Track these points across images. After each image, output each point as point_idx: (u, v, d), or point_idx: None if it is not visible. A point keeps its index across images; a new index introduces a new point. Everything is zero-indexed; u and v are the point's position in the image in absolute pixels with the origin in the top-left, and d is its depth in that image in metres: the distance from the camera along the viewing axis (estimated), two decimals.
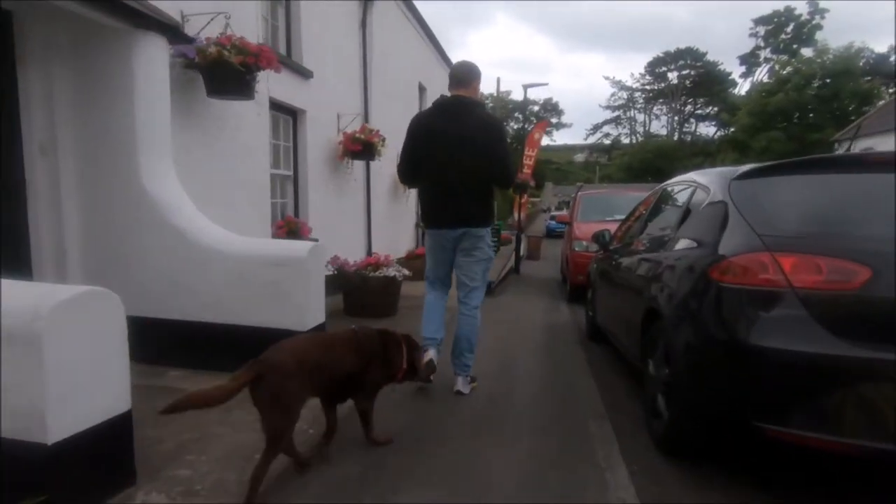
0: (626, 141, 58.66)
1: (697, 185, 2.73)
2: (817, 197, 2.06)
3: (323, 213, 6.26)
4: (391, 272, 5.24)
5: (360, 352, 2.11)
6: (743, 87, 46.66)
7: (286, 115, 5.72)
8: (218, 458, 2.02)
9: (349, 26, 7.11)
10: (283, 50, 5.68)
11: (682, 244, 2.53)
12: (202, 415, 2.37)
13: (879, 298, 1.72)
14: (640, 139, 56.09)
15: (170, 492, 1.83)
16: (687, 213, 2.69)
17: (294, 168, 5.94)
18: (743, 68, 46.56)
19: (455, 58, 10.31)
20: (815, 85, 29.72)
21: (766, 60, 42.59)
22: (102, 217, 3.05)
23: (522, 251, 12.39)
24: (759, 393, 1.86)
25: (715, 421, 2.08)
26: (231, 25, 3.87)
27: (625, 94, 58.16)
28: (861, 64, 30.75)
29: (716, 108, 49.55)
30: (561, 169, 58.59)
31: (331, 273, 5.31)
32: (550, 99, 55.36)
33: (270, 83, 4.97)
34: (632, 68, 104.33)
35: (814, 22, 38.28)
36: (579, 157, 64.63)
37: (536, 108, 51.93)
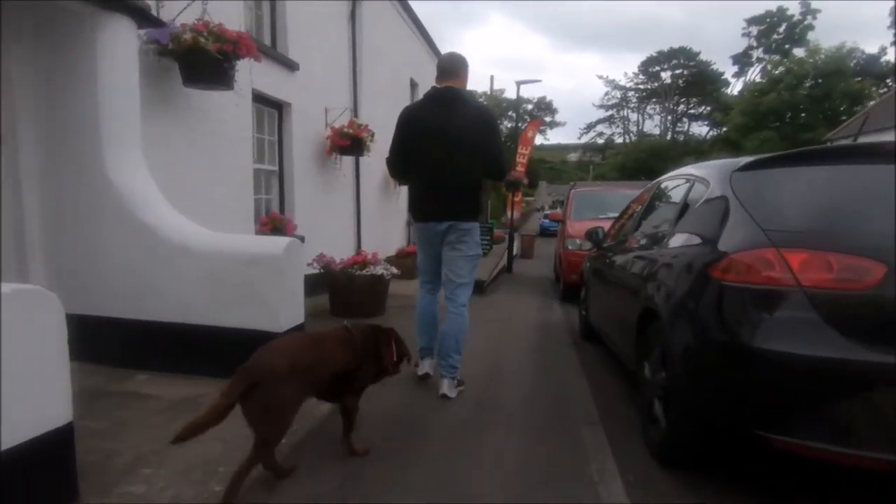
0: (619, 140, 58.77)
1: (695, 178, 2.59)
2: (827, 189, 1.93)
3: (310, 209, 6.08)
4: (379, 270, 5.08)
5: (354, 349, 2.04)
6: (735, 87, 46.97)
7: (271, 109, 5.54)
8: (177, 472, 1.85)
9: (338, 19, 6.93)
10: (267, 41, 5.50)
11: (680, 241, 2.39)
12: (166, 424, 2.22)
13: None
14: (633, 139, 56.19)
15: None
16: (685, 208, 2.55)
17: (279, 163, 5.76)
18: (736, 68, 46.83)
19: None
20: (807, 85, 29.89)
21: (759, 60, 42.82)
22: (66, 211, 2.87)
23: (515, 250, 12.26)
24: (763, 400, 1.72)
25: (715, 429, 1.94)
26: (211, 14, 3.69)
27: (618, 94, 58.27)
28: (852, 64, 30.94)
29: (708, 108, 49.77)
30: (555, 168, 58.51)
31: (316, 271, 5.16)
32: (544, 97, 55.28)
33: (254, 74, 4.79)
34: (625, 68, 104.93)
35: (806, 22, 38.54)
36: (573, 157, 64.62)
37: (530, 106, 51.82)
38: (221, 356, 2.71)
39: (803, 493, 2.01)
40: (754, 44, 43.47)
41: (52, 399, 1.46)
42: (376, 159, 7.20)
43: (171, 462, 1.92)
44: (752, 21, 42.48)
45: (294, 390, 1.76)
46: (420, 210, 2.96)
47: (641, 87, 56.44)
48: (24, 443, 1.41)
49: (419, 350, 3.18)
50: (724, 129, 38.06)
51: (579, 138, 61.31)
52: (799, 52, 33.96)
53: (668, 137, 52.96)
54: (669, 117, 55.48)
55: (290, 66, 5.60)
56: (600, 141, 60.13)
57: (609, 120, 59.64)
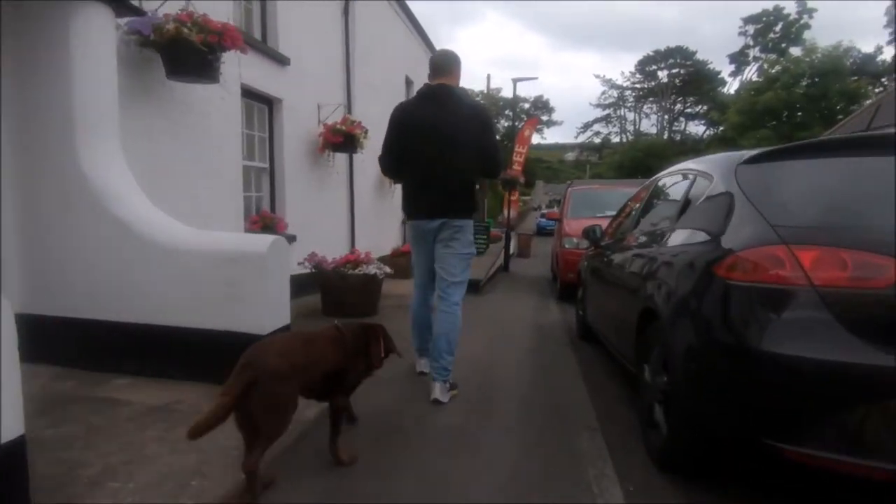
0: (616, 140, 58.77)
1: (697, 173, 2.48)
2: (839, 182, 1.82)
3: (302, 208, 5.96)
4: (371, 270, 4.96)
5: (345, 348, 2.03)
6: (732, 86, 46.94)
7: (261, 104, 5.41)
8: (147, 485, 1.73)
9: (331, 14, 6.80)
10: (258, 35, 5.37)
11: (682, 238, 2.28)
12: (139, 431, 2.10)
13: None
14: (630, 138, 56.18)
15: None
16: (686, 204, 2.44)
17: (270, 160, 5.63)
18: (732, 67, 46.82)
19: None
20: (804, 84, 29.87)
21: (756, 59, 42.83)
22: (38, 206, 2.74)
23: (512, 249, 12.17)
24: (772, 407, 1.61)
25: (720, 436, 1.84)
26: (197, 6, 3.56)
27: (615, 93, 58.28)
28: (848, 63, 30.95)
29: (705, 107, 49.78)
30: (552, 167, 58.52)
31: (308, 271, 5.04)
32: (541, 96, 55.28)
33: (243, 68, 4.66)
34: (621, 67, 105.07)
35: (802, 21, 38.53)
36: (570, 156, 64.60)
37: (527, 105, 51.76)
38: (202, 360, 2.60)
39: (809, 498, 1.90)
40: (751, 43, 43.49)
41: (3, 411, 1.33)
42: (370, 157, 7.07)
43: (142, 474, 1.80)
44: (748, 20, 42.50)
45: (293, 389, 1.76)
46: (413, 207, 2.91)
47: (638, 86, 56.53)
48: None
49: (416, 350, 3.16)
50: (721, 128, 38.04)
51: (576, 137, 61.35)
52: (795, 52, 33.97)
53: (665, 136, 52.96)
54: (666, 116, 55.54)
55: (281, 60, 5.47)
56: (597, 140, 60.15)
57: (606, 119, 59.70)
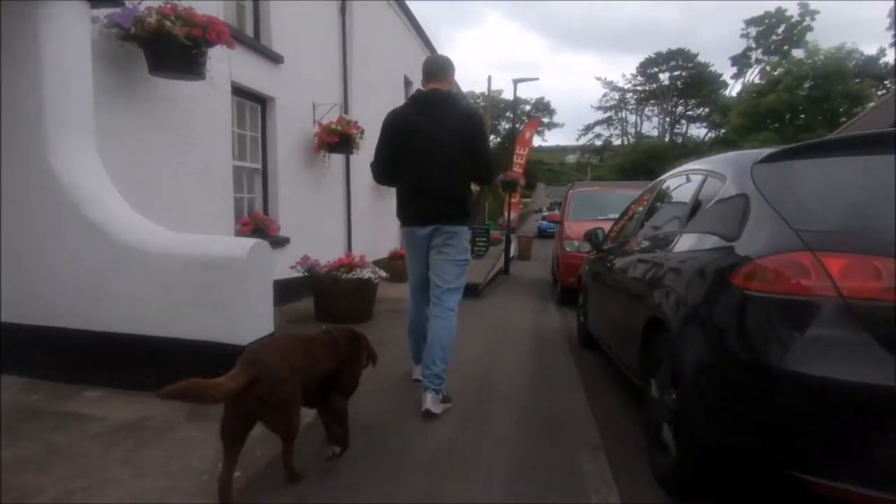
0: (617, 142, 58.65)
1: (708, 173, 2.32)
2: (869, 182, 1.65)
3: (296, 209, 5.80)
4: (366, 274, 4.79)
5: (338, 352, 2.06)
6: (734, 89, 46.78)
7: (253, 103, 5.26)
8: None
9: (328, 12, 6.66)
10: (250, 31, 5.23)
11: (692, 243, 2.12)
12: (103, 452, 1.94)
13: None
14: (631, 140, 56.03)
15: None
16: (696, 206, 2.28)
17: (263, 160, 5.48)
18: (734, 69, 46.67)
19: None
20: (807, 86, 29.72)
21: (758, 61, 42.69)
22: (4, 208, 2.58)
23: (512, 252, 12.01)
24: (796, 433, 1.45)
25: (736, 463, 1.67)
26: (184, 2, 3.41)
27: (616, 95, 58.15)
28: (851, 65, 30.79)
29: (707, 110, 49.63)
30: (553, 170, 58.36)
31: (300, 274, 4.89)
32: (542, 98, 55.17)
33: (233, 66, 4.53)
34: (622, 70, 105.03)
35: (804, 23, 38.39)
36: (571, 158, 64.44)
37: (528, 107, 51.65)
38: (177, 371, 2.41)
39: None
40: (753, 45, 43.38)
41: None
42: (367, 157, 6.92)
43: (103, 500, 1.64)
44: (750, 22, 42.40)
45: (295, 387, 1.75)
46: (406, 213, 2.86)
47: (640, 88, 56.39)
48: None
49: (412, 358, 3.09)
50: (723, 130, 37.88)
51: (577, 140, 61.23)
52: (798, 54, 33.80)
53: (667, 139, 52.80)
54: (668, 119, 55.38)
55: (275, 58, 5.32)
56: (598, 142, 60.03)
57: (607, 121, 59.56)
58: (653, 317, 2.23)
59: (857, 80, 30.44)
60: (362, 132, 6.13)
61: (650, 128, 57.44)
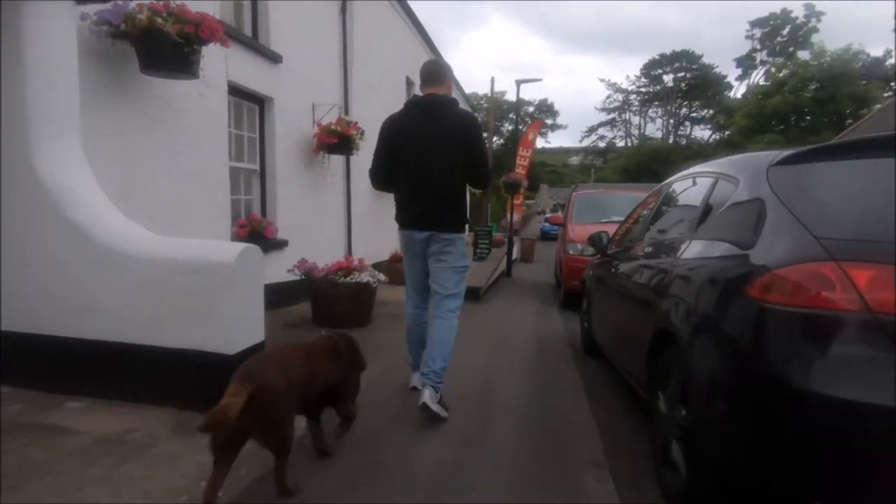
0: (621, 144, 58.42)
1: (719, 175, 2.21)
2: None
3: (295, 211, 5.71)
4: (364, 277, 4.69)
5: (341, 359, 2.07)
6: (739, 90, 46.52)
7: (251, 103, 5.17)
8: None
9: (328, 12, 6.58)
10: (248, 31, 5.14)
11: (703, 249, 2.01)
12: (80, 468, 1.84)
13: None
14: (635, 142, 55.81)
15: None
16: (707, 210, 2.16)
17: (261, 161, 5.39)
18: (739, 71, 46.39)
19: (448, 57, 9.81)
20: (812, 88, 29.50)
21: (763, 63, 42.44)
22: None
23: (515, 254, 11.90)
24: (818, 460, 1.33)
25: (751, 486, 1.55)
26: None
27: (620, 97, 57.94)
28: (857, 67, 30.54)
29: (711, 111, 49.36)
30: (556, 171, 58.20)
31: (297, 278, 4.79)
32: (545, 99, 54.96)
33: (230, 65, 4.44)
34: (625, 71, 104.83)
35: (810, 24, 38.14)
36: (574, 160, 64.26)
37: (531, 108, 51.52)
38: (163, 381, 2.35)
39: None
40: (758, 46, 43.11)
41: None
42: (367, 158, 6.81)
43: None
44: (755, 23, 42.15)
45: (291, 404, 1.72)
46: (403, 217, 2.86)
47: (643, 90, 56.15)
48: None
49: (410, 365, 3.03)
50: (727, 132, 37.65)
51: (581, 141, 61.04)
52: (803, 55, 33.57)
53: (671, 141, 52.56)
54: (672, 121, 55.12)
55: (273, 58, 5.23)
56: (602, 144, 59.84)
57: (611, 123, 59.35)
58: (661, 328, 2.12)
59: (864, 82, 30.18)
60: (362, 133, 6.04)
61: (654, 130, 57.27)
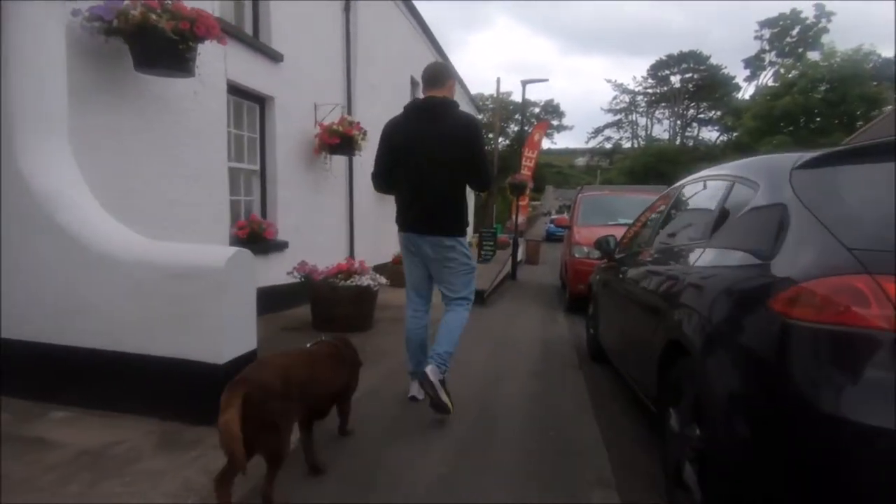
0: (627, 145, 58.04)
1: (736, 178, 2.08)
2: None
3: (296, 212, 5.63)
4: (365, 281, 4.59)
5: (344, 363, 2.08)
6: (747, 91, 46.07)
7: (251, 102, 5.09)
8: None
9: (331, 10, 6.49)
10: (249, 29, 5.06)
11: (719, 257, 1.89)
12: (58, 486, 1.76)
13: None
14: (641, 143, 55.44)
15: None
16: (723, 216, 2.04)
17: (261, 162, 5.31)
18: (747, 72, 45.94)
19: (454, 58, 9.74)
20: (822, 89, 29.12)
21: (771, 64, 41.99)
22: None
23: (520, 256, 11.78)
24: (853, 494, 1.21)
25: None
26: None
27: (627, 98, 57.55)
28: (868, 68, 30.12)
29: (719, 113, 48.92)
30: (562, 172, 57.94)
31: (298, 281, 4.70)
32: (551, 100, 54.63)
33: (230, 64, 4.36)
34: (631, 73, 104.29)
35: (820, 25, 37.69)
36: (580, 161, 63.94)
37: (537, 109, 51.29)
38: (149, 391, 2.25)
39: None
40: (767, 47, 42.65)
41: None
42: (370, 158, 6.71)
43: None
44: (764, 24, 41.69)
45: (286, 406, 1.67)
46: (404, 220, 2.85)
47: (650, 91, 55.73)
48: None
49: (409, 373, 2.96)
50: (735, 133, 37.27)
51: (587, 143, 60.63)
52: (813, 56, 33.16)
53: (678, 142, 52.15)
54: (679, 122, 54.70)
55: (274, 56, 5.15)
56: (608, 145, 59.45)
57: (617, 124, 58.93)
58: (673, 338, 2.00)
59: (875, 83, 29.76)
60: (364, 133, 5.94)
61: (661, 131, 56.78)
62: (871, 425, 1.16)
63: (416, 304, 2.95)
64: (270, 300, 4.68)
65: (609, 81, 77.06)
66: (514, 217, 11.73)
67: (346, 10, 6.82)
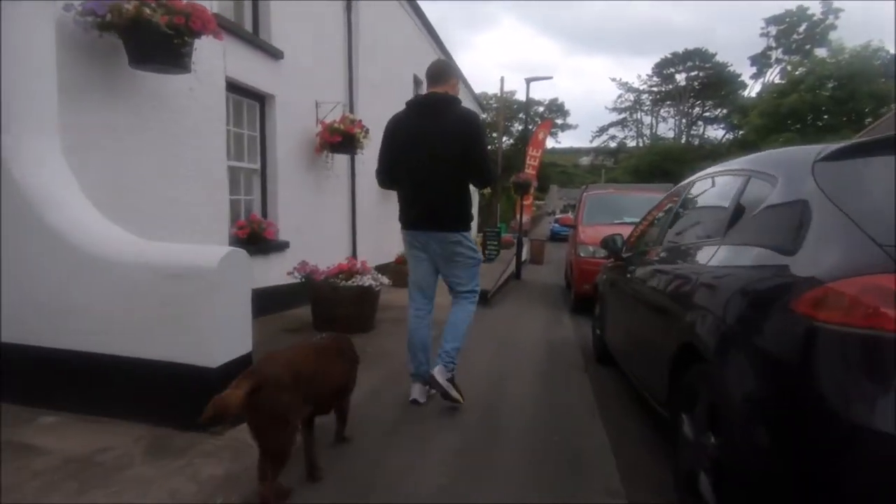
0: (632, 144, 57.73)
1: (752, 173, 1.98)
2: None
3: (297, 212, 5.56)
4: (367, 281, 4.51)
5: (343, 358, 2.08)
6: (753, 89, 45.64)
7: (251, 100, 5.02)
8: None
9: (332, 7, 6.42)
10: (248, 26, 4.99)
11: (737, 256, 1.79)
12: (41, 495, 1.67)
13: None
14: (646, 142, 55.12)
15: None
16: (738, 212, 1.94)
17: (262, 161, 5.24)
18: (753, 69, 45.52)
19: (459, 58, 9.65)
20: (830, 86, 28.80)
21: (778, 61, 41.60)
22: None
23: (525, 255, 11.67)
24: None
25: None
26: None
27: (631, 96, 57.23)
28: (877, 64, 29.76)
29: (725, 111, 48.54)
30: (566, 171, 57.69)
31: (298, 281, 4.63)
32: (556, 99, 54.44)
33: (230, 61, 4.30)
34: (635, 71, 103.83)
35: (827, 22, 37.28)
36: (585, 160, 63.65)
37: (541, 108, 51.12)
38: (140, 395, 2.17)
39: None
40: (773, 44, 42.25)
41: None
42: (373, 156, 6.63)
43: None
44: (770, 21, 41.30)
45: (294, 398, 1.65)
46: (406, 217, 2.84)
47: (655, 89, 55.37)
48: None
49: (410, 375, 2.90)
50: (741, 131, 36.93)
51: (591, 141, 60.40)
52: (820, 53, 32.81)
53: (683, 141, 51.80)
54: (684, 120, 54.33)
55: (274, 54, 5.08)
56: (613, 144, 59.17)
57: (622, 123, 58.64)
58: (686, 341, 1.90)
59: (883, 80, 29.40)
60: (366, 131, 5.86)
61: (666, 129, 56.40)
62: None
63: (419, 304, 2.92)
64: (270, 301, 4.61)
65: (614, 80, 76.97)
66: (518, 216, 11.62)
67: (348, 9, 6.75)
